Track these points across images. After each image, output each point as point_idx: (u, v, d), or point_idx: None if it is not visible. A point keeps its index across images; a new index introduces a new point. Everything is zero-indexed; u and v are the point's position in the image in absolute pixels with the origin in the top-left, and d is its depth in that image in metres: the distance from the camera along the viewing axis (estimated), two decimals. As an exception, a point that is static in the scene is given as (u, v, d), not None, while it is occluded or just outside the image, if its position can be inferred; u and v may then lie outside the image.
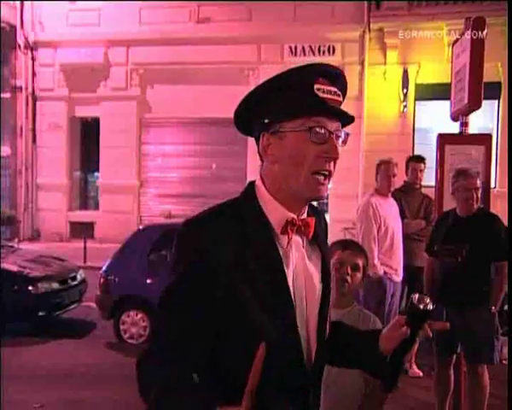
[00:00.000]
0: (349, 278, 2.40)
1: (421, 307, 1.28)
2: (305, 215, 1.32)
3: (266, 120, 1.25)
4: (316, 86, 1.23)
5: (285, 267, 1.25)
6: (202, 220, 1.25)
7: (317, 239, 1.37)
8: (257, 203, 1.27)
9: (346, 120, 1.28)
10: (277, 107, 1.24)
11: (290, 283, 1.25)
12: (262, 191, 1.29)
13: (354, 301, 2.51)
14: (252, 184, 1.33)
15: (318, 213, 1.43)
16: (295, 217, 1.28)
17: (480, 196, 4.03)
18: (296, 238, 1.29)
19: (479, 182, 4.03)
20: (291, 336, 1.25)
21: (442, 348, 4.14)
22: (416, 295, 1.29)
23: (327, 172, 1.25)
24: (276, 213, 1.27)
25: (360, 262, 2.43)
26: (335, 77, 1.28)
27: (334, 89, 1.27)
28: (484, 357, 3.97)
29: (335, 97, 1.26)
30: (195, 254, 1.20)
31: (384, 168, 5.08)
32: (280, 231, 1.26)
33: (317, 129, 1.22)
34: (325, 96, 1.24)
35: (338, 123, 1.27)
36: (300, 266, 1.30)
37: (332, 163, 1.26)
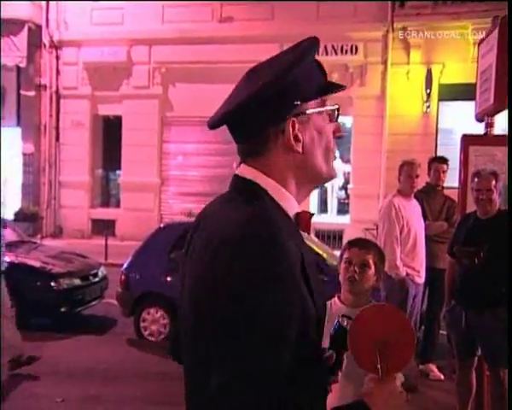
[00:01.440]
0: (357, 276, 2.35)
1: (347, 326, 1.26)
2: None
3: (297, 102, 1.13)
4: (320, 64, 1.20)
5: None
6: (265, 218, 1.05)
7: None
8: (275, 201, 1.12)
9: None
10: (306, 88, 1.14)
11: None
12: (274, 186, 1.13)
13: (372, 300, 2.43)
14: (248, 179, 1.15)
15: None
16: (306, 210, 1.20)
17: (494, 197, 3.94)
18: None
19: (493, 183, 3.92)
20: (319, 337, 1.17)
21: (462, 350, 4.10)
22: (342, 318, 1.27)
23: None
24: (292, 207, 1.15)
25: (370, 259, 2.37)
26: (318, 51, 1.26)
27: None
28: (502, 360, 3.91)
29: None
30: (281, 255, 1.01)
31: (407, 169, 5.03)
32: (304, 227, 1.17)
33: (335, 109, 1.19)
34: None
35: None
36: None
37: None
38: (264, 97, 1.11)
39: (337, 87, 1.21)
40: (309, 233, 1.20)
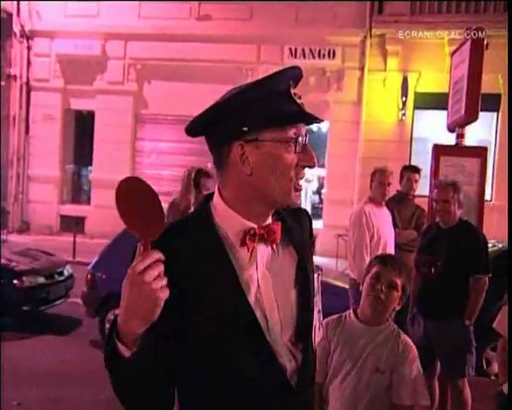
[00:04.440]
0: (383, 296, 2.30)
1: None
2: (269, 221, 1.27)
3: (245, 128, 1.18)
4: (292, 91, 1.21)
5: (243, 281, 1.20)
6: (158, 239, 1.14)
7: (293, 242, 1.32)
8: (210, 216, 1.24)
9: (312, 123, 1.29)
10: (258, 115, 1.18)
11: (252, 297, 1.20)
12: (218, 203, 1.25)
13: (389, 319, 2.41)
14: (207, 197, 1.30)
15: (299, 214, 1.40)
16: (255, 226, 1.23)
17: (452, 208, 3.97)
18: (261, 247, 1.24)
19: (451, 194, 3.96)
20: (264, 355, 1.19)
21: (422, 359, 4.10)
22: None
23: (303, 181, 1.25)
24: (233, 224, 1.23)
25: (398, 281, 2.32)
26: (299, 80, 1.26)
27: (297, 91, 1.24)
28: (456, 370, 3.94)
29: (301, 100, 1.24)
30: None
31: (379, 176, 5.03)
32: (239, 243, 1.22)
33: (299, 139, 1.20)
34: (299, 101, 1.22)
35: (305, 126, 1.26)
36: (267, 277, 1.24)
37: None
38: (212, 118, 1.21)
39: (306, 118, 1.23)
40: (275, 244, 1.27)
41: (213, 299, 1.16)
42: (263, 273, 1.24)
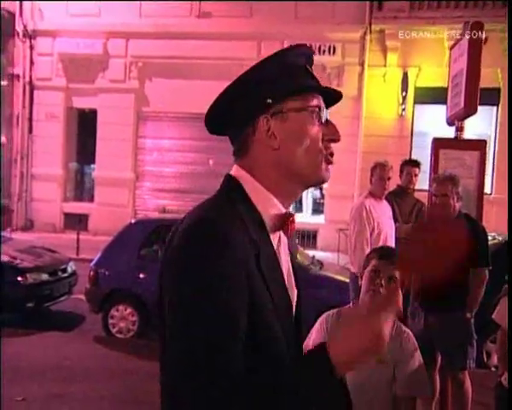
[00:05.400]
0: (382, 290, 2.21)
1: None
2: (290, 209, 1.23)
3: (269, 100, 1.14)
4: (308, 67, 1.21)
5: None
6: (215, 217, 1.06)
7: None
8: (248, 199, 1.15)
9: (330, 103, 1.24)
10: (279, 87, 1.15)
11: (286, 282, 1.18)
12: (252, 184, 1.16)
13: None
14: (232, 177, 1.19)
15: None
16: (288, 211, 1.19)
17: (450, 202, 3.96)
18: (283, 237, 1.21)
19: (449, 188, 3.93)
20: (293, 350, 1.17)
21: (423, 351, 4.13)
22: None
23: (332, 155, 1.20)
24: (271, 207, 1.16)
25: (397, 274, 2.21)
26: (312, 60, 1.25)
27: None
28: (456, 363, 3.96)
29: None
30: (225, 248, 1.03)
31: (379, 171, 5.05)
32: (276, 226, 1.17)
33: (322, 109, 1.17)
34: (315, 77, 1.21)
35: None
36: (288, 270, 1.21)
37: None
38: (232, 97, 1.17)
39: (322, 88, 1.20)
40: (287, 235, 1.21)
41: (267, 289, 1.08)
42: (285, 261, 1.20)
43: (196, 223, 1.06)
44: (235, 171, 1.19)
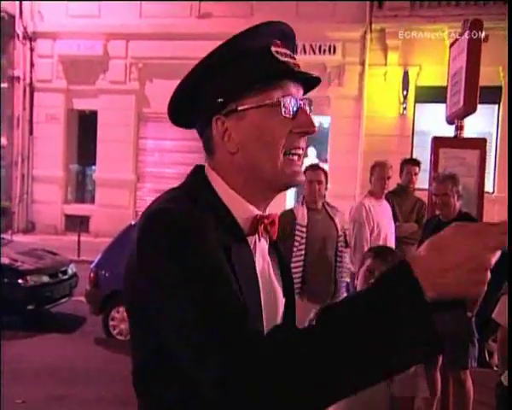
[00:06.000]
0: None
1: None
2: (267, 211, 1.09)
3: (220, 99, 1.01)
4: (273, 49, 1.03)
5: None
6: (181, 208, 0.95)
7: (277, 243, 1.15)
8: (218, 197, 1.03)
9: (310, 85, 1.08)
10: (233, 81, 1.01)
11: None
12: (220, 185, 1.04)
13: None
14: (201, 172, 1.07)
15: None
16: (262, 214, 1.06)
17: (451, 201, 3.95)
18: (262, 241, 1.08)
19: (450, 187, 3.93)
20: None
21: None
22: None
23: (301, 151, 1.04)
24: (241, 210, 1.03)
25: None
26: (290, 38, 1.10)
27: (288, 51, 1.06)
28: (458, 362, 3.95)
29: (293, 60, 1.05)
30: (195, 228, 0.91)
31: (379, 170, 5.04)
32: (248, 231, 1.04)
33: (287, 100, 1.00)
34: (285, 59, 1.04)
35: (301, 90, 1.05)
36: (265, 276, 1.07)
37: (304, 139, 1.05)
38: (181, 98, 1.07)
39: (292, 75, 1.04)
40: (261, 237, 1.08)
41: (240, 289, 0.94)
42: (261, 271, 1.06)
43: (157, 213, 0.95)
44: (207, 169, 1.08)
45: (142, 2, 14.28)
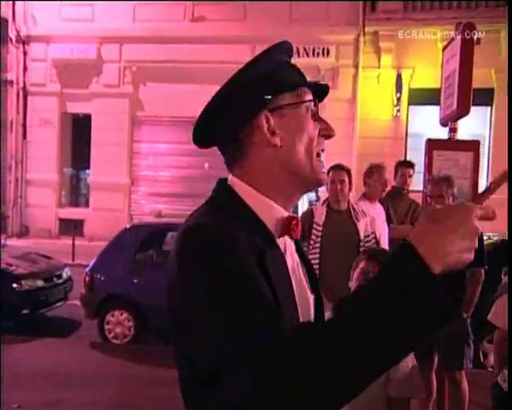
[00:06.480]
0: None
1: None
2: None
3: (268, 96, 1.09)
4: (291, 63, 1.17)
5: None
6: (215, 222, 1.00)
7: (297, 241, 1.19)
8: (245, 204, 1.08)
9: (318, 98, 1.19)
10: (272, 84, 1.10)
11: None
12: (247, 191, 1.09)
13: None
14: (224, 184, 1.13)
15: None
16: (290, 215, 1.12)
17: (446, 203, 3.94)
18: (289, 241, 1.13)
19: (445, 189, 3.93)
20: None
21: (419, 351, 4.13)
22: None
23: (323, 151, 1.16)
24: (270, 212, 1.09)
25: None
26: (292, 55, 1.22)
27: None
28: (453, 363, 3.97)
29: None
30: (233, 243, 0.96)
31: (378, 174, 5.01)
32: (280, 232, 1.10)
33: (313, 103, 1.12)
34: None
35: None
36: (296, 275, 1.12)
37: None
38: (226, 100, 1.10)
39: (313, 83, 1.16)
40: (292, 237, 1.14)
41: (273, 292, 0.97)
42: (293, 267, 1.12)
43: (192, 228, 0.99)
44: (230, 180, 1.13)
45: (136, 5, 14.29)
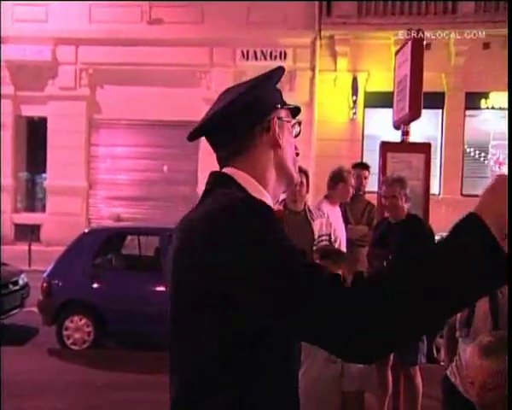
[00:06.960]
0: None
1: None
2: None
3: (278, 105, 1.31)
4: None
5: None
6: (240, 197, 1.19)
7: None
8: (247, 191, 1.24)
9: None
10: (279, 97, 1.34)
11: None
12: (249, 181, 1.27)
13: None
14: (221, 174, 1.29)
15: None
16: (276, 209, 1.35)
17: (399, 203, 4.07)
18: None
19: (398, 190, 4.06)
20: None
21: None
22: None
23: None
24: (266, 201, 1.25)
25: (340, 272, 2.36)
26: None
27: None
28: (408, 359, 4.09)
29: None
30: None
31: (347, 177, 5.06)
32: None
33: (297, 120, 1.37)
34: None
35: None
36: None
37: None
38: (248, 99, 1.25)
39: (295, 106, 1.38)
40: None
41: None
42: None
43: (224, 208, 1.14)
44: (230, 172, 1.27)
45: (92, 6, 14.08)
